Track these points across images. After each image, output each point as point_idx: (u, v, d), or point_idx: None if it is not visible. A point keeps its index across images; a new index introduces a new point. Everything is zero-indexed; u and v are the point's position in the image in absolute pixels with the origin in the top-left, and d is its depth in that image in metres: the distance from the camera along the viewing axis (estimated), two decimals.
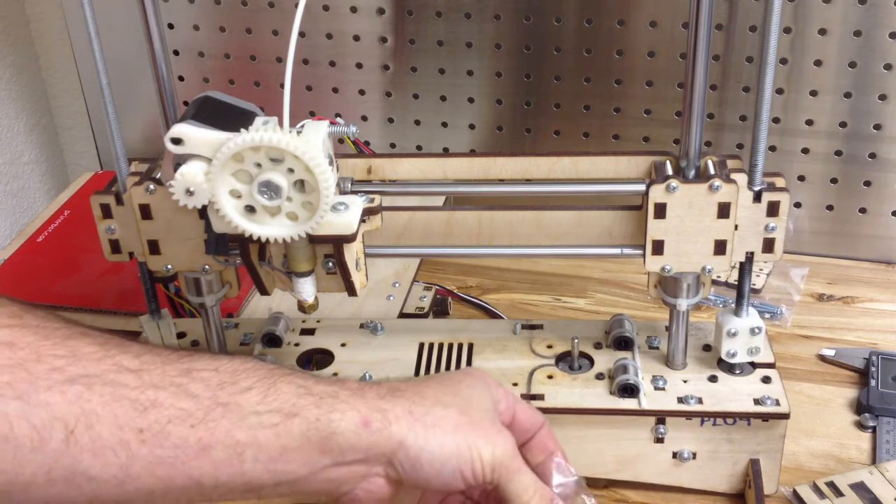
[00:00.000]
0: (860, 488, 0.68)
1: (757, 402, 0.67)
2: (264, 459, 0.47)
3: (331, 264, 0.62)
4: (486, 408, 0.54)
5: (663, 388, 0.68)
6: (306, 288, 0.63)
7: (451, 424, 0.51)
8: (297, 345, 0.75)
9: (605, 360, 0.71)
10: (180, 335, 0.75)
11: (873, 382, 0.78)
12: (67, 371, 0.45)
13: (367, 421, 0.49)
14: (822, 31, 0.88)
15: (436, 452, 0.50)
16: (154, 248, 0.66)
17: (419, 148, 1.06)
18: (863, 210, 0.96)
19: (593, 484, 0.71)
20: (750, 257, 0.65)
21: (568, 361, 0.72)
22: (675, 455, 0.68)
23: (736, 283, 0.67)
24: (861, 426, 0.76)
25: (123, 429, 0.45)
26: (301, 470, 0.48)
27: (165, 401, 0.46)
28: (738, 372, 0.69)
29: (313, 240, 0.60)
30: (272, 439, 0.47)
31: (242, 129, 0.56)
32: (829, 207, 0.97)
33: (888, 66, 0.88)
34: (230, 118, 0.60)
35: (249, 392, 0.48)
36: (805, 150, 0.95)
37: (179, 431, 0.46)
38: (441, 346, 0.74)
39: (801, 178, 0.96)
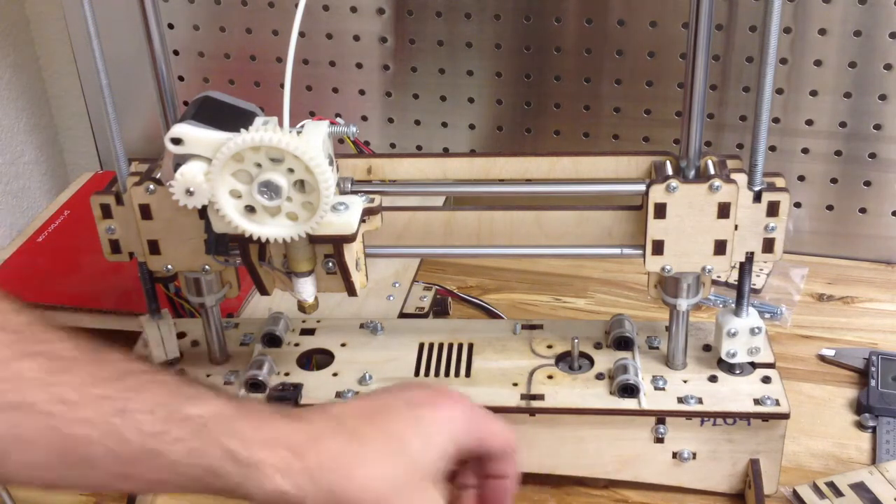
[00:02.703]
0: (860, 488, 0.68)
1: (757, 402, 0.67)
2: (184, 489, 0.51)
3: (331, 264, 0.62)
4: (425, 462, 0.53)
5: (663, 388, 0.68)
6: (306, 288, 0.63)
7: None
8: (297, 345, 0.75)
9: (605, 360, 0.71)
10: (180, 335, 0.75)
11: (873, 382, 0.78)
12: (6, 396, 0.48)
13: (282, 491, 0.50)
14: (822, 31, 0.88)
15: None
16: (154, 248, 0.66)
17: (419, 148, 1.06)
18: (863, 210, 0.96)
19: (593, 484, 0.71)
20: (750, 257, 0.65)
21: (568, 361, 0.72)
22: (675, 455, 0.68)
23: (736, 283, 0.67)
24: (861, 426, 0.76)
25: (54, 453, 0.48)
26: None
27: (96, 438, 0.49)
28: (738, 372, 0.69)
29: (313, 240, 0.60)
30: (190, 485, 0.50)
31: (242, 129, 0.56)
32: (829, 207, 0.97)
33: (888, 66, 0.88)
34: (230, 118, 0.60)
35: (179, 444, 0.50)
36: (805, 150, 0.95)
37: (106, 464, 0.49)
38: (441, 346, 0.74)
39: (801, 178, 0.96)
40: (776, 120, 0.93)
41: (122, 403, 0.49)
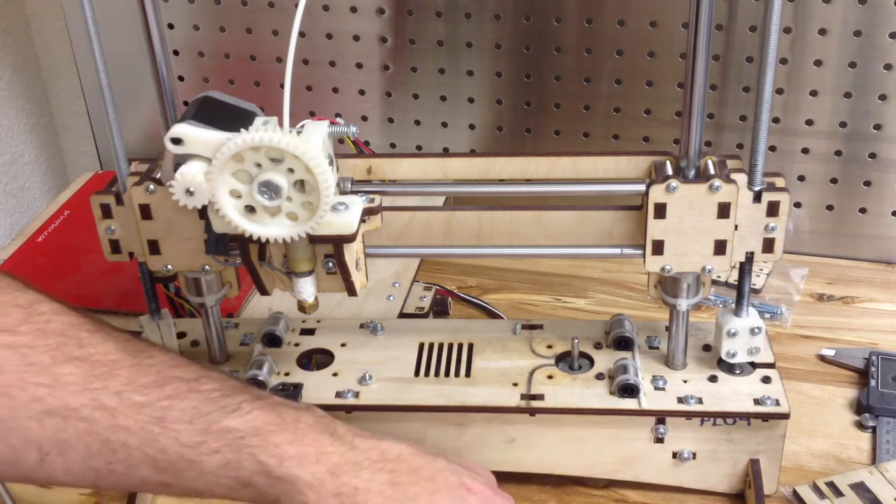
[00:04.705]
0: (860, 488, 0.68)
1: (757, 402, 0.67)
2: (218, 496, 0.52)
3: (331, 264, 0.62)
4: None
5: (663, 388, 0.68)
6: (306, 288, 0.63)
7: None
8: (297, 345, 0.75)
9: (605, 360, 0.71)
10: (180, 335, 0.75)
11: (873, 382, 0.78)
12: (47, 401, 0.48)
13: None
14: (822, 31, 0.88)
15: None
16: (154, 248, 0.66)
17: (419, 148, 1.06)
18: (863, 210, 0.96)
19: (593, 484, 0.71)
20: (750, 257, 0.65)
21: (568, 361, 0.72)
22: (675, 455, 0.68)
23: (736, 283, 0.67)
24: (861, 426, 0.76)
25: (94, 459, 0.49)
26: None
27: (135, 445, 0.49)
28: (738, 372, 0.69)
29: (313, 240, 0.60)
30: (227, 493, 0.51)
31: (242, 129, 0.56)
32: (829, 207, 0.97)
33: (888, 66, 0.88)
34: (230, 118, 0.60)
35: (215, 455, 0.50)
36: (805, 150, 0.95)
37: (145, 472, 0.50)
38: (441, 346, 0.74)
39: (801, 178, 0.96)
40: (776, 120, 0.93)
41: (161, 412, 0.50)
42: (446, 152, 1.04)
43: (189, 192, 0.58)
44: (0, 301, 0.50)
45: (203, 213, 0.60)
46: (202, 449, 0.50)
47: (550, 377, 0.70)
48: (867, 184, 0.94)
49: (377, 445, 0.53)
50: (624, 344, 0.72)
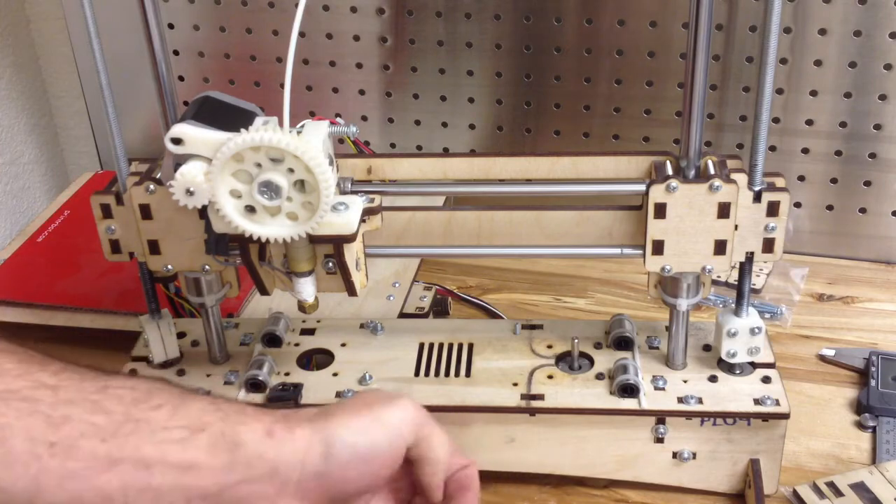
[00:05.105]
0: (860, 488, 0.68)
1: (757, 402, 0.67)
2: (173, 474, 0.48)
3: (331, 264, 0.62)
4: (384, 399, 0.55)
5: (663, 388, 0.68)
6: (306, 288, 0.63)
7: (353, 413, 0.53)
8: (297, 345, 0.75)
9: (605, 360, 0.71)
10: (180, 335, 0.75)
11: (873, 382, 0.78)
12: None
13: (270, 431, 0.50)
14: (822, 31, 0.88)
15: (346, 440, 0.51)
16: (154, 248, 0.66)
17: (419, 148, 1.06)
18: (863, 210, 0.96)
19: (593, 484, 0.71)
20: (750, 257, 0.65)
21: (568, 361, 0.72)
22: (675, 455, 0.68)
23: (736, 283, 0.67)
24: (861, 426, 0.76)
25: (35, 442, 0.46)
26: (210, 485, 0.49)
27: (78, 416, 0.47)
28: (738, 372, 0.69)
29: (313, 240, 0.60)
30: (179, 453, 0.48)
31: (242, 129, 0.56)
32: (829, 207, 0.97)
33: (888, 66, 0.88)
34: (230, 118, 0.60)
35: (160, 409, 0.49)
36: (805, 150, 0.95)
37: (90, 445, 0.47)
38: (441, 346, 0.74)
39: (801, 178, 0.96)
40: (776, 120, 0.93)
41: (102, 382, 0.49)
42: (446, 152, 1.04)
43: (189, 192, 0.58)
44: None
45: (203, 213, 0.60)
46: (147, 406, 0.49)
47: (550, 377, 0.70)
48: (867, 184, 0.94)
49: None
50: (624, 344, 0.72)
